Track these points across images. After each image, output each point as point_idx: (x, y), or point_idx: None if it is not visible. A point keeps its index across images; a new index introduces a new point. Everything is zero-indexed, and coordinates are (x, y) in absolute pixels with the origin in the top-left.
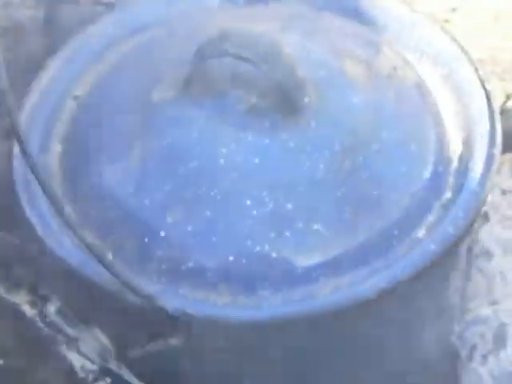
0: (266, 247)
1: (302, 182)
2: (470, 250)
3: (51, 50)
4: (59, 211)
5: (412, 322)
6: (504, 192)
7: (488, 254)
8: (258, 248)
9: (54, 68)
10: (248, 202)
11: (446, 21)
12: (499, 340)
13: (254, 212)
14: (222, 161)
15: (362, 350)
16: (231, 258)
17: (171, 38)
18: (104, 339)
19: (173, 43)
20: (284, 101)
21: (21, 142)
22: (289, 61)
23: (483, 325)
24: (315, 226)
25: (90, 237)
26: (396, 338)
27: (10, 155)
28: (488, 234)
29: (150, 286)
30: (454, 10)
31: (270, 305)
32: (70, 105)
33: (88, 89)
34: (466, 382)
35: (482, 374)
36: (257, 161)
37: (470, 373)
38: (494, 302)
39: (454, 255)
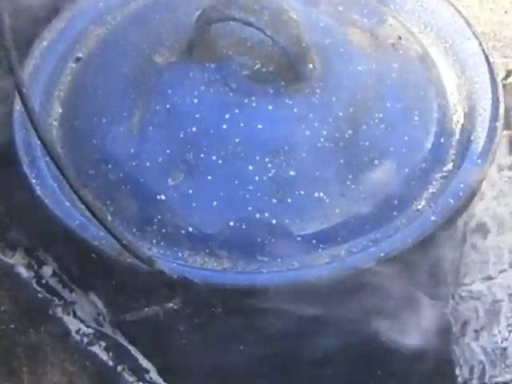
0: (267, 214)
1: (305, 149)
2: (465, 224)
3: (54, 11)
4: (60, 170)
5: (407, 294)
6: (501, 168)
7: (483, 230)
8: (258, 214)
9: (56, 29)
10: (250, 168)
11: None
12: (492, 316)
13: (256, 178)
14: (224, 126)
15: (358, 319)
16: (231, 224)
17: (175, 1)
18: (99, 303)
19: (176, 6)
20: (288, 67)
21: (25, 101)
22: (294, 27)
23: (476, 300)
24: (316, 194)
25: (90, 198)
26: (391, 308)
27: (8, 117)
28: (483, 210)
29: (149, 249)
30: None
31: (268, 271)
32: (72, 66)
33: (90, 51)
34: (458, 356)
35: (474, 349)
36: (260, 126)
37: (463, 347)
38: (487, 278)
39: (452, 228)
